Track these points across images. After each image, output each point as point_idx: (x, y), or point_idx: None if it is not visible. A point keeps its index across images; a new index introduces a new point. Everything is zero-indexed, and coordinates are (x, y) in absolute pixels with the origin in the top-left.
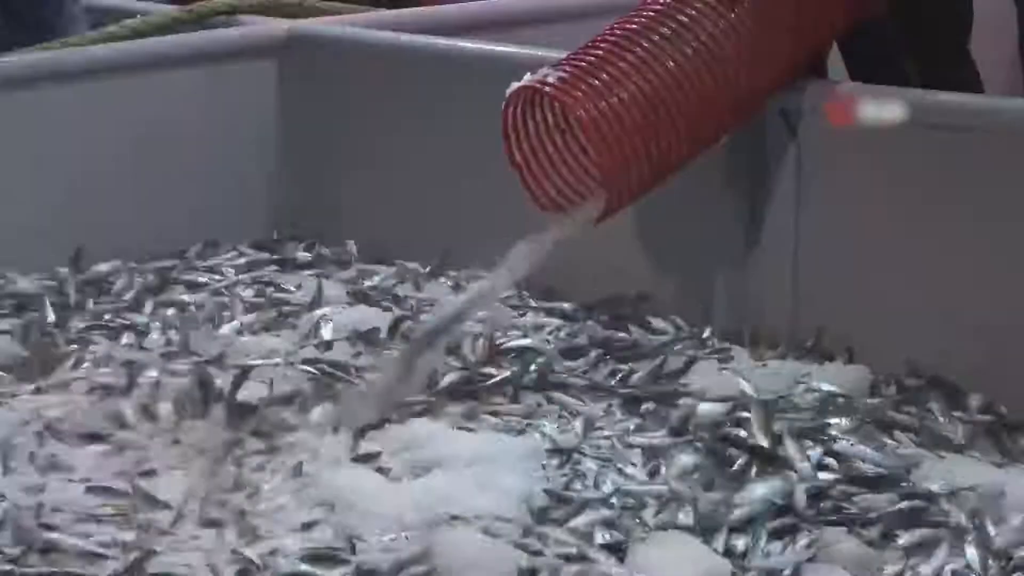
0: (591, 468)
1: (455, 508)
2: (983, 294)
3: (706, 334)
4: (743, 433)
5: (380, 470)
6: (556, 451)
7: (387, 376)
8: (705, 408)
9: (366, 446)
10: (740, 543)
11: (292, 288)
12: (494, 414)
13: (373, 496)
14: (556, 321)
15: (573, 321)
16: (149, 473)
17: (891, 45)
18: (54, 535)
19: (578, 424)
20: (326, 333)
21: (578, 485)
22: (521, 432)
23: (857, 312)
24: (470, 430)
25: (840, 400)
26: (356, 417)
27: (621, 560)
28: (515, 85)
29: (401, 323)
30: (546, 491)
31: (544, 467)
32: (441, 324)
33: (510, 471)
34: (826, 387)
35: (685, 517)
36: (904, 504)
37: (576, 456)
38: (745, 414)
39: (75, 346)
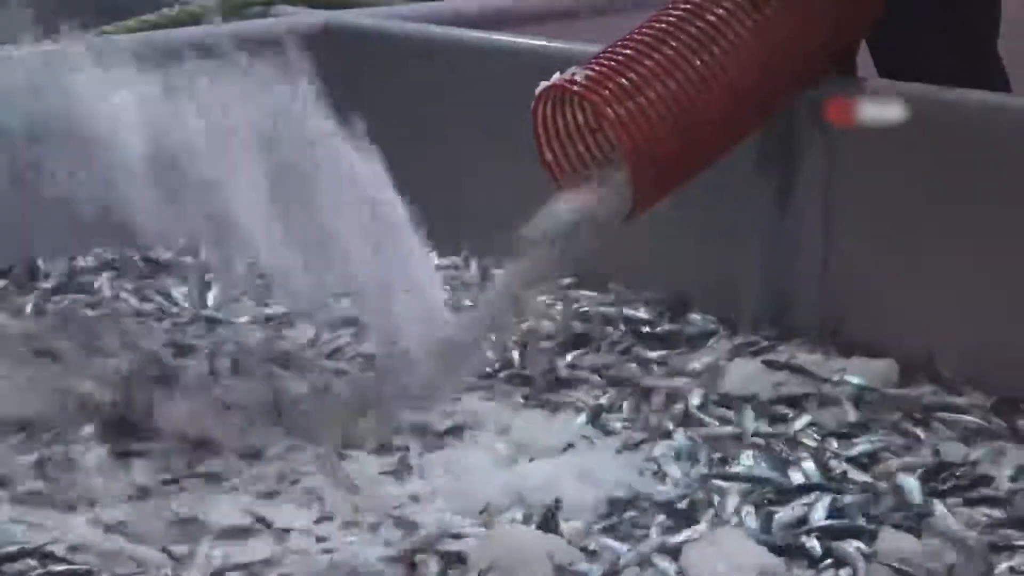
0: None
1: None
2: (1014, 289)
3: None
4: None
5: None
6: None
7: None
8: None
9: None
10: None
11: None
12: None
13: None
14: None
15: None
16: None
17: (919, 42)
18: None
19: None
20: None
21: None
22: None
23: (888, 305)
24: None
25: (873, 395)
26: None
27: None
28: (544, 84)
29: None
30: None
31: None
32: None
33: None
34: (856, 382)
35: (747, 518)
36: None
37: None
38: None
39: None
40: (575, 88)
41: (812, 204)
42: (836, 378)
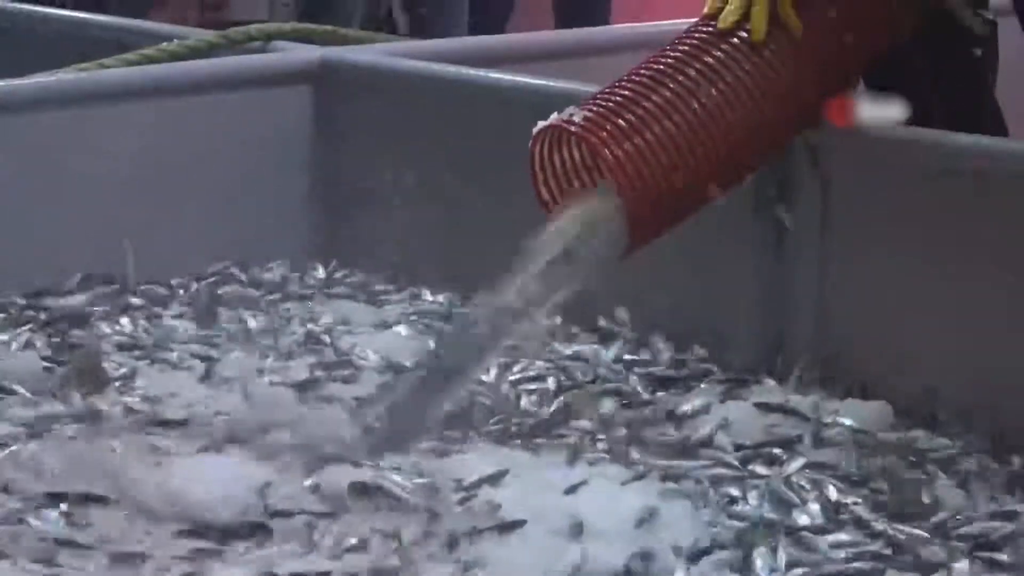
0: None
1: None
2: (1009, 332)
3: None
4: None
5: None
6: None
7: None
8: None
9: None
10: None
11: (319, 314)
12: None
13: None
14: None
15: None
16: None
17: (915, 84)
18: None
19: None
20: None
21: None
22: None
23: (882, 346)
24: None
25: (866, 437)
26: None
27: None
28: (541, 124)
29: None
30: None
31: None
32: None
33: None
34: (849, 424)
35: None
36: None
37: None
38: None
39: None
40: (573, 128)
41: (808, 246)
42: (829, 420)
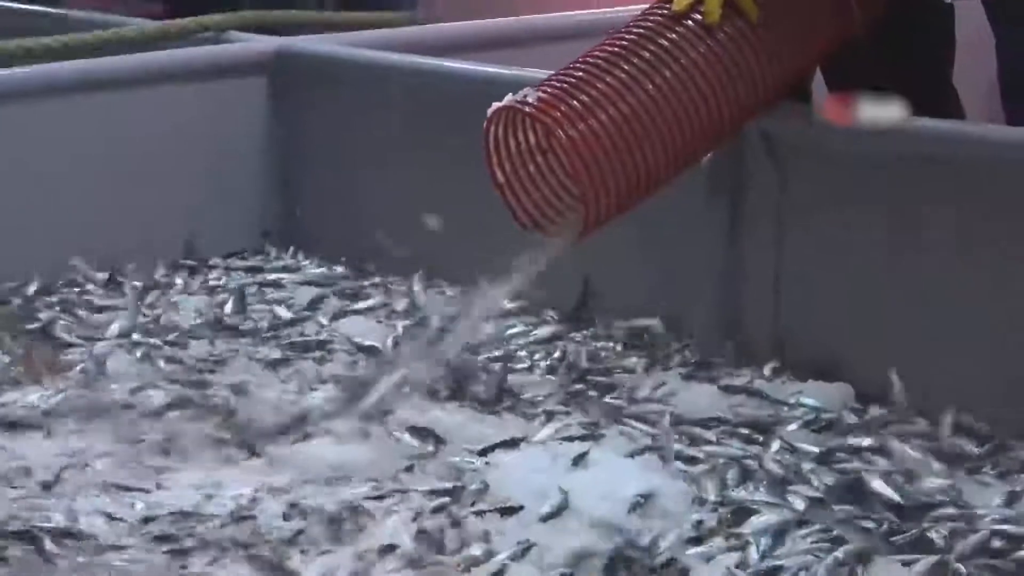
0: None
1: None
2: (968, 312)
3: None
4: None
5: None
6: None
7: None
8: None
9: None
10: None
11: (281, 299)
12: None
13: None
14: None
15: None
16: None
17: (872, 70)
18: None
19: None
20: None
21: None
22: None
23: (838, 329)
24: None
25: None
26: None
27: None
28: (496, 105)
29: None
30: None
31: None
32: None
33: None
34: (812, 404)
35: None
36: None
37: None
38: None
39: None
40: (527, 110)
41: (763, 229)
42: (792, 401)
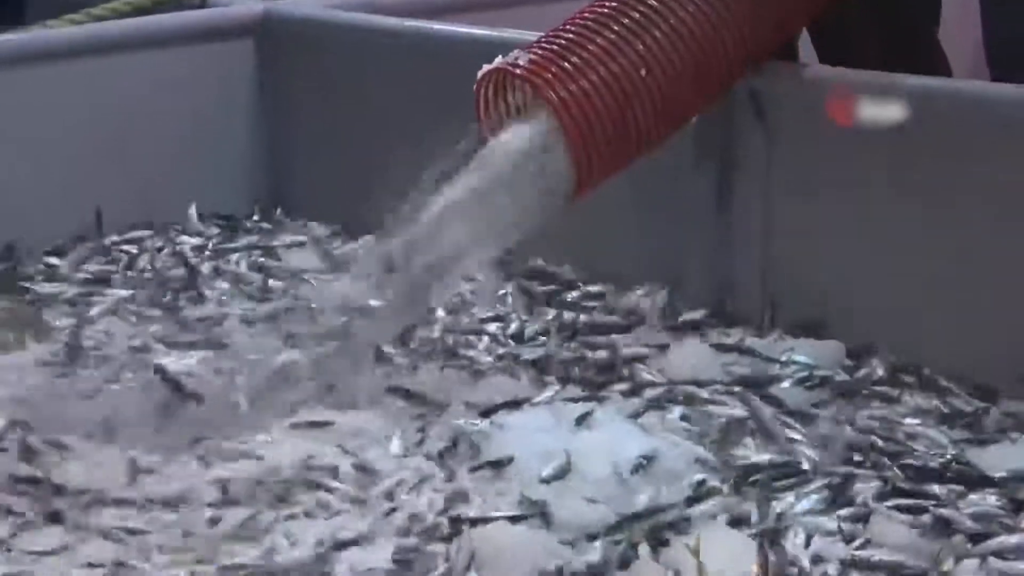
0: None
1: None
2: (951, 270)
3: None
4: None
5: None
6: None
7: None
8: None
9: None
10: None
11: (270, 263)
12: None
13: None
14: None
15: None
16: None
17: (858, 29)
18: None
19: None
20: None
21: None
22: None
23: (827, 288)
24: None
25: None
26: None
27: None
28: (486, 67)
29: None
30: None
31: None
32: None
33: None
34: (804, 361)
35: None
36: None
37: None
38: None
39: None
40: (518, 71)
41: (752, 189)
42: (784, 358)
